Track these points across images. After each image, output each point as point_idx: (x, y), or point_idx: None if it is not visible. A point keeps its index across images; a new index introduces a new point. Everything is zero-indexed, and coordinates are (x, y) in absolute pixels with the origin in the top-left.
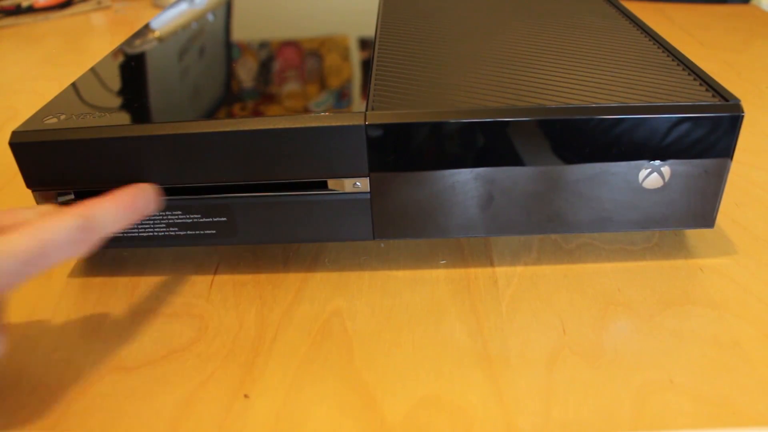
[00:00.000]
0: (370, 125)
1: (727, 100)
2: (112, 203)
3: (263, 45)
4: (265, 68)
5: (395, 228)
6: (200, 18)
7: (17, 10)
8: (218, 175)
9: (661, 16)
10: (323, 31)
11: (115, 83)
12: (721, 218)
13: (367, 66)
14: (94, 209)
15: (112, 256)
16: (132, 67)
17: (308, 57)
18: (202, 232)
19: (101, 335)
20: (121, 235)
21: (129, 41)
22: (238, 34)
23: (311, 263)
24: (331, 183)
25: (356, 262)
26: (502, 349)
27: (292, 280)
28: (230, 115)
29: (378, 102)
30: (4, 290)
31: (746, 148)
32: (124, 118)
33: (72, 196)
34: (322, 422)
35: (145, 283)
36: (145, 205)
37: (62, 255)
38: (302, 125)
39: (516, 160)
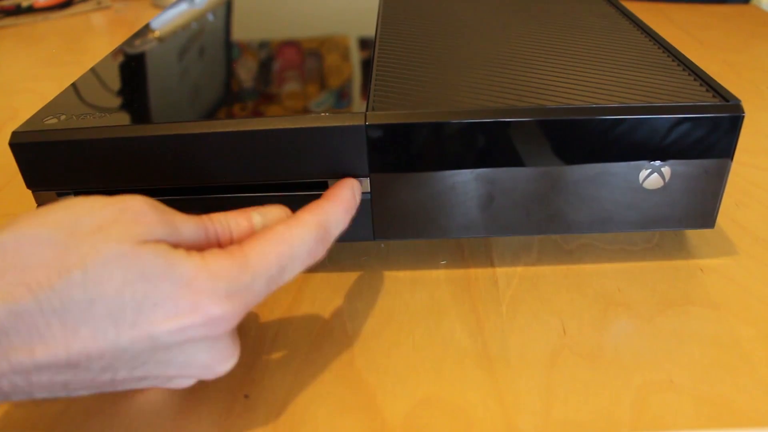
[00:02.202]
0: (370, 125)
1: (727, 101)
2: (341, 206)
3: (263, 45)
4: (265, 68)
5: (395, 228)
6: (200, 18)
7: (17, 10)
8: (218, 175)
9: (661, 16)
10: (323, 31)
11: (115, 83)
12: (721, 218)
13: (367, 66)
14: (328, 216)
15: None
16: (132, 67)
17: (308, 57)
18: None
19: None
20: None
21: (129, 41)
22: (238, 34)
23: None
24: (332, 183)
25: (356, 263)
26: (503, 349)
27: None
28: (230, 115)
29: (378, 102)
30: (248, 309)
31: (746, 148)
32: (124, 118)
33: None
34: (322, 422)
35: None
36: (358, 201)
37: (298, 270)
38: (302, 125)
39: (516, 161)
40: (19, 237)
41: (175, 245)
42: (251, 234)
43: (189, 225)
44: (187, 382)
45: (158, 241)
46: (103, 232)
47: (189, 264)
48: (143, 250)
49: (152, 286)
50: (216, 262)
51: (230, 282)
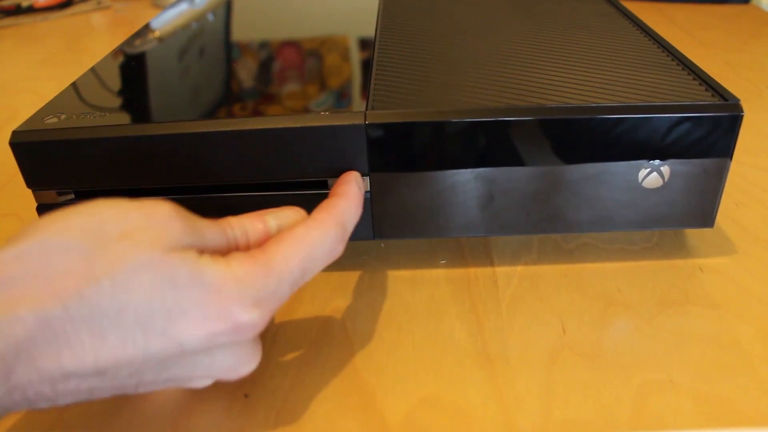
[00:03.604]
0: (370, 125)
1: (726, 100)
2: (353, 202)
3: (263, 45)
4: (265, 68)
5: (395, 228)
6: (200, 18)
7: (17, 10)
8: (218, 175)
9: (661, 16)
10: (323, 31)
11: (115, 83)
12: (720, 218)
13: (367, 66)
14: (343, 214)
15: None
16: (132, 67)
17: (308, 57)
18: None
19: None
20: None
21: (129, 41)
22: (238, 34)
23: None
24: (331, 183)
25: (356, 262)
26: (502, 349)
27: None
28: (230, 115)
29: (378, 102)
30: (273, 313)
31: (746, 148)
32: (124, 117)
33: (72, 196)
34: (322, 422)
35: None
36: (363, 193)
37: (318, 270)
38: (302, 125)
39: (516, 160)
40: (45, 245)
41: (201, 251)
42: (266, 237)
43: (212, 231)
44: (207, 382)
45: (185, 248)
46: (131, 240)
47: (216, 271)
48: (171, 257)
49: (181, 294)
50: (242, 268)
51: (257, 288)
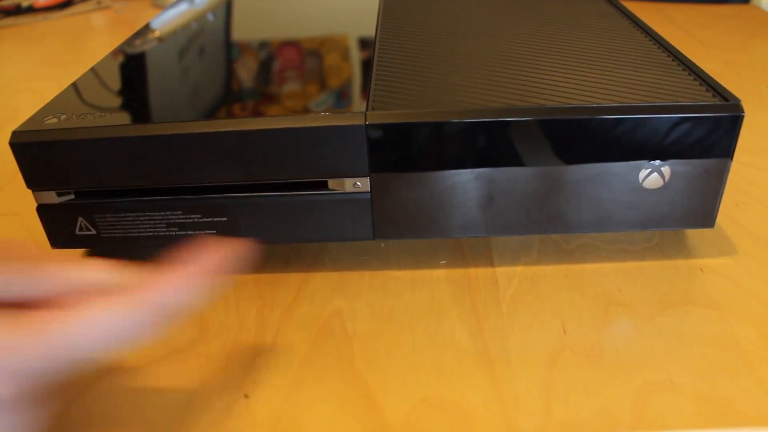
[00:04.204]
0: (370, 125)
1: (727, 100)
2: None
3: (263, 45)
4: (265, 68)
5: (396, 228)
6: (200, 18)
7: (17, 10)
8: (218, 175)
9: (661, 16)
10: (323, 31)
11: (115, 83)
12: (721, 218)
13: (367, 66)
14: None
15: (114, 256)
16: (132, 67)
17: (308, 57)
18: (202, 232)
19: None
20: (122, 235)
21: (129, 41)
22: (238, 34)
23: (311, 263)
24: (332, 183)
25: (357, 262)
26: (503, 349)
27: (292, 280)
28: (230, 115)
29: (378, 102)
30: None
31: (746, 148)
32: (124, 118)
33: (72, 196)
34: (322, 422)
35: None
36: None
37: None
38: (302, 125)
39: (516, 160)
40: None
41: None
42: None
43: None
44: None
45: None
46: None
47: None
48: None
49: None
50: None
51: None
